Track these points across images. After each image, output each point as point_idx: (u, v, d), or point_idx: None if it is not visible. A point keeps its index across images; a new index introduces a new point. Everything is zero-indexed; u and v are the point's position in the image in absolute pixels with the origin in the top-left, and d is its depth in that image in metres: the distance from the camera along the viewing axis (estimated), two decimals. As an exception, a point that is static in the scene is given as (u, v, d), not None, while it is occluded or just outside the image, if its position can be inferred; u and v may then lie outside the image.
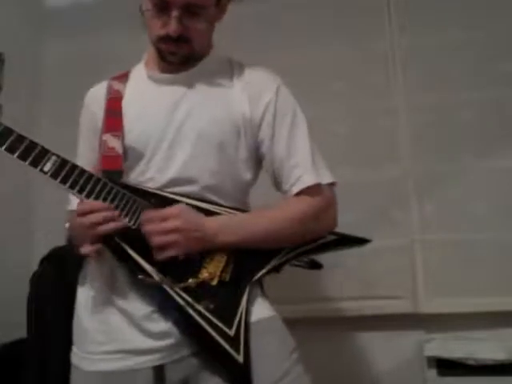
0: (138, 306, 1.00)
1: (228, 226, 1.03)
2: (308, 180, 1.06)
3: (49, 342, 1.32)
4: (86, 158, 1.13)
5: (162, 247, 0.96)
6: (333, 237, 1.10)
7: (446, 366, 1.60)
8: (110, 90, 1.14)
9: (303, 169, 1.07)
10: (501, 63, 1.80)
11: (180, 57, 1.09)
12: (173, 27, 1.03)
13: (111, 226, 0.95)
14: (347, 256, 1.76)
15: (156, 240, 0.96)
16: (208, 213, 1.04)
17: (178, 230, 0.97)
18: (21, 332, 1.42)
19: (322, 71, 1.91)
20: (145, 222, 0.97)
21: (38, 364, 1.33)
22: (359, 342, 1.80)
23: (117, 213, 0.97)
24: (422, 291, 1.74)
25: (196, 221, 1.00)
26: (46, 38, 2.19)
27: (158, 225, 0.97)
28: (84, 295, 1.08)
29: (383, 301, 1.75)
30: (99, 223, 0.95)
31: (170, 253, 0.96)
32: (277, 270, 1.07)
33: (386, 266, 1.76)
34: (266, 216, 1.06)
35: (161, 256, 0.96)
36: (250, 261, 1.03)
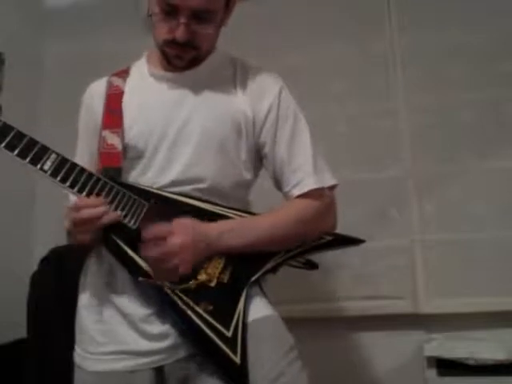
0: (137, 308, 0.99)
1: (231, 230, 1.01)
2: (309, 184, 1.06)
3: (49, 342, 1.32)
4: (83, 157, 1.11)
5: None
6: (329, 237, 1.10)
7: (446, 366, 1.60)
8: (110, 86, 1.13)
9: (304, 172, 1.06)
10: (501, 64, 1.79)
11: (186, 61, 1.08)
12: (180, 33, 1.01)
13: (103, 221, 0.94)
14: (348, 256, 1.76)
15: (157, 268, 0.93)
16: (210, 214, 1.03)
17: (181, 247, 0.93)
18: (21, 332, 1.42)
19: (322, 71, 1.91)
20: (144, 245, 0.93)
21: (37, 364, 1.33)
22: (359, 342, 1.80)
23: (105, 208, 0.95)
24: (422, 291, 1.74)
25: (198, 232, 0.98)
26: (45, 38, 2.19)
27: (158, 249, 0.92)
28: (85, 295, 1.07)
29: (383, 301, 1.75)
30: (90, 219, 0.93)
31: (172, 278, 0.94)
32: (274, 270, 1.07)
33: (386, 266, 1.76)
34: (268, 219, 1.06)
35: (164, 279, 0.94)
36: (248, 262, 1.02)
